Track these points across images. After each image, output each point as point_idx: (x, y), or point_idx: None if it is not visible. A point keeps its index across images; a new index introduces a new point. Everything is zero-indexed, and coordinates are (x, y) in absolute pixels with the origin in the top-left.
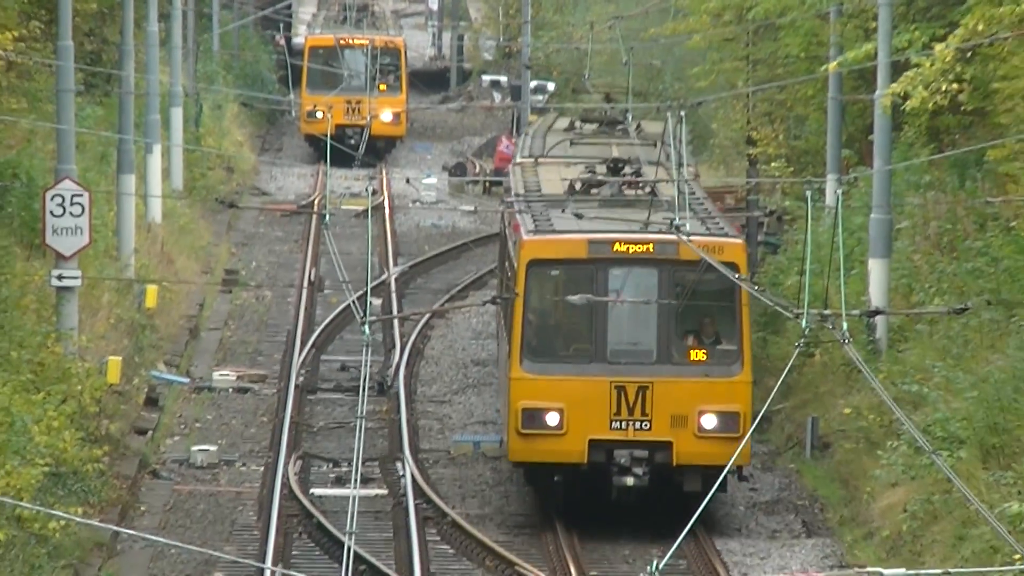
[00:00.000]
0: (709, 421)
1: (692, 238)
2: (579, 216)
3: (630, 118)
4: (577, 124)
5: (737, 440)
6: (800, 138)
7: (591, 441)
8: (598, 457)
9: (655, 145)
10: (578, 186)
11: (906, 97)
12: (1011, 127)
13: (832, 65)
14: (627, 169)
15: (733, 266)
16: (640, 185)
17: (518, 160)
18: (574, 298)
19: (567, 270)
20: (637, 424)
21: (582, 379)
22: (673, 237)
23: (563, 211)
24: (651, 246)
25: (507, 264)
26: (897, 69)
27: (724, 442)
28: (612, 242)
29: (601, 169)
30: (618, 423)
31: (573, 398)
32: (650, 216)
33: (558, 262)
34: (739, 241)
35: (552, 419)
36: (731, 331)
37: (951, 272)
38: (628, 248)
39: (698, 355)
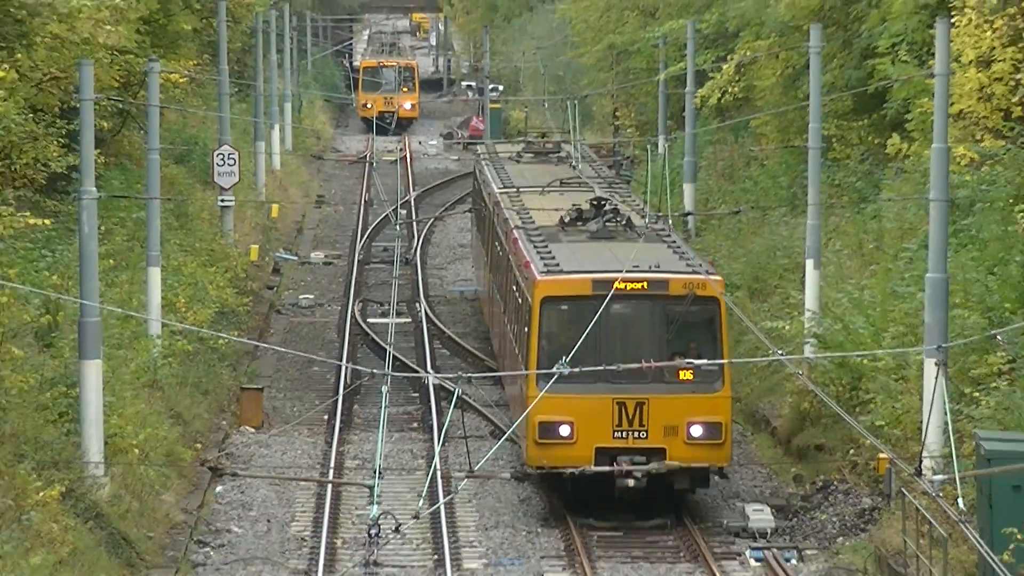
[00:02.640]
0: (696, 430)
1: (677, 275)
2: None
3: (559, 142)
4: (519, 153)
5: (720, 445)
6: (644, 115)
7: (597, 448)
8: (603, 462)
9: (590, 167)
10: (567, 219)
11: (707, 98)
12: (763, 107)
13: (661, 75)
14: (607, 207)
15: (714, 299)
16: (617, 219)
17: (500, 190)
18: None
19: (575, 304)
20: (636, 434)
21: (589, 397)
22: (664, 276)
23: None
24: (645, 284)
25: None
26: (698, 76)
27: (709, 447)
28: (612, 281)
29: (587, 206)
30: (620, 433)
31: (582, 412)
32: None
33: (567, 298)
34: (719, 278)
35: (564, 430)
36: (713, 354)
37: (730, 190)
38: (626, 286)
39: (686, 375)
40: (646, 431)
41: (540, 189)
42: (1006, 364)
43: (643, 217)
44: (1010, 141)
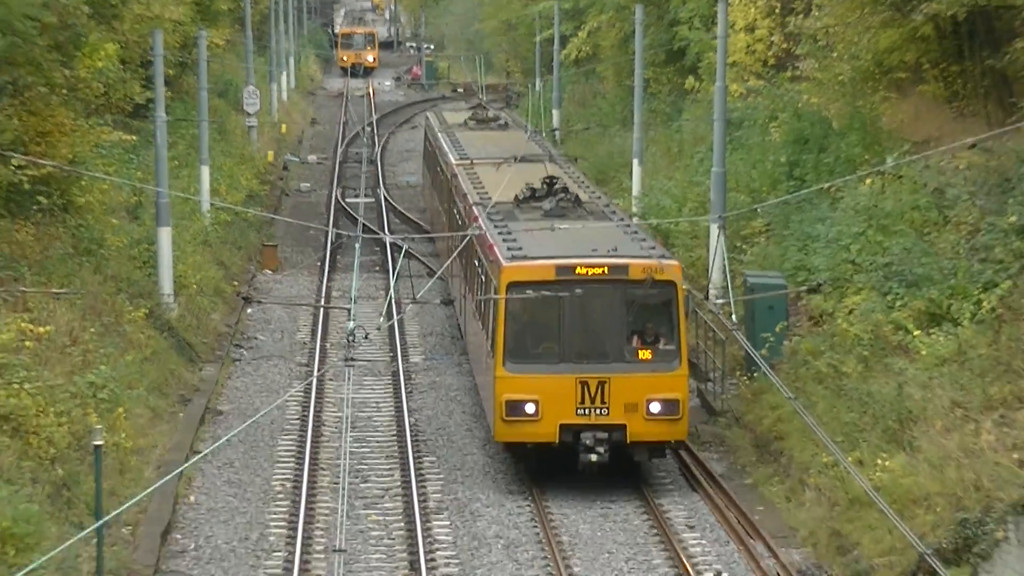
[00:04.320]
0: (655, 407)
1: (637, 260)
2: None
3: (500, 112)
4: (467, 121)
5: (677, 420)
6: (526, 64)
7: (561, 425)
8: (567, 438)
9: (524, 130)
10: (521, 197)
11: (568, 53)
12: (605, 59)
13: (538, 38)
14: (557, 185)
15: (671, 283)
16: (569, 198)
17: (456, 161)
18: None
19: (539, 289)
20: (598, 411)
21: (553, 376)
22: (624, 261)
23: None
24: (606, 269)
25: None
26: (561, 38)
27: (667, 423)
28: (575, 266)
29: (538, 184)
30: (583, 410)
31: (546, 391)
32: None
33: (532, 283)
34: (676, 262)
35: (530, 408)
36: (671, 335)
37: (583, 114)
38: (587, 271)
39: (645, 354)
40: (607, 408)
41: (495, 164)
42: (763, 227)
43: (583, 188)
44: (766, 81)
